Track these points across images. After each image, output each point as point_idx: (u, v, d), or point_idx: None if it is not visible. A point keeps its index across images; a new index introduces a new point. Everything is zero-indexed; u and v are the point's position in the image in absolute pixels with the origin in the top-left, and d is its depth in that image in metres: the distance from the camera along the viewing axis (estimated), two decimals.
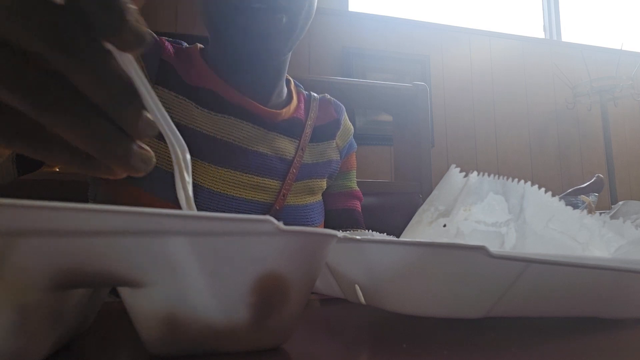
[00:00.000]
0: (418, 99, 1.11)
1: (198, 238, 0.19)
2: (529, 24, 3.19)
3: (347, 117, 0.75)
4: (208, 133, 0.57)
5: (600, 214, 0.36)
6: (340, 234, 0.26)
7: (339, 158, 0.71)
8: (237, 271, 0.20)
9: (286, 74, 0.70)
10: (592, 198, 0.62)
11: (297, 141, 0.65)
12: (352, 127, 0.76)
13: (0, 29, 0.19)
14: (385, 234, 0.48)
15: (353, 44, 2.55)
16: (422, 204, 0.49)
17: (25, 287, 0.18)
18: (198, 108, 0.57)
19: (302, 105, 0.69)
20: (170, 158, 0.53)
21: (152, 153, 0.24)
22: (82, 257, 0.18)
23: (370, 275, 0.28)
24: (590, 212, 0.36)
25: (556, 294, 0.28)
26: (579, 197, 0.63)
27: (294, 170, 0.62)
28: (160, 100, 0.51)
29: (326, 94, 0.76)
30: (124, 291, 0.20)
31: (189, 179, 0.26)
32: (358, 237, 0.27)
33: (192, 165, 0.51)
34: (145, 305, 0.20)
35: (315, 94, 0.74)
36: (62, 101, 0.20)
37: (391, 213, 1.02)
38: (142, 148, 0.23)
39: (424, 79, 2.62)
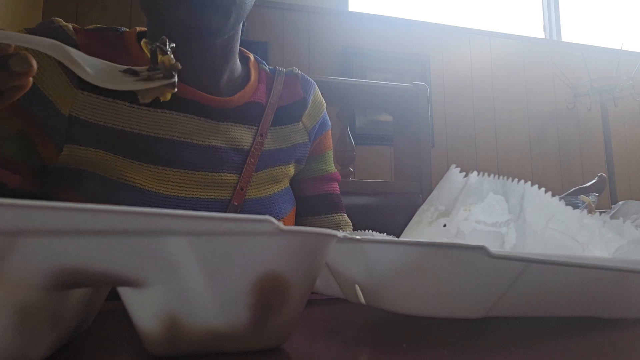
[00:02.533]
0: (418, 99, 1.11)
1: (198, 238, 0.19)
2: (529, 24, 3.19)
3: (318, 93, 0.69)
4: (148, 133, 0.52)
5: (600, 213, 0.36)
6: (340, 234, 0.26)
7: (307, 141, 0.65)
8: (237, 271, 0.20)
9: (247, 53, 0.66)
10: (592, 198, 0.62)
11: (255, 128, 0.59)
12: (323, 103, 0.69)
13: None
14: (385, 234, 0.48)
15: (353, 43, 2.55)
16: (422, 204, 0.49)
17: (25, 287, 0.18)
18: (132, 107, 0.52)
19: (263, 87, 0.63)
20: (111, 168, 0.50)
21: (27, 54, 0.32)
22: (82, 257, 0.18)
23: (370, 275, 0.28)
24: (590, 212, 0.36)
25: (556, 294, 0.28)
26: (579, 197, 0.63)
27: (252, 160, 0.57)
28: (86, 107, 0.51)
29: (294, 68, 0.69)
30: (124, 291, 0.20)
31: (81, 59, 0.32)
32: (358, 237, 0.27)
33: (134, 170, 0.51)
34: (145, 305, 0.20)
35: (283, 69, 0.67)
36: None
37: (391, 213, 1.02)
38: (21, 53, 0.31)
39: (424, 79, 2.62)
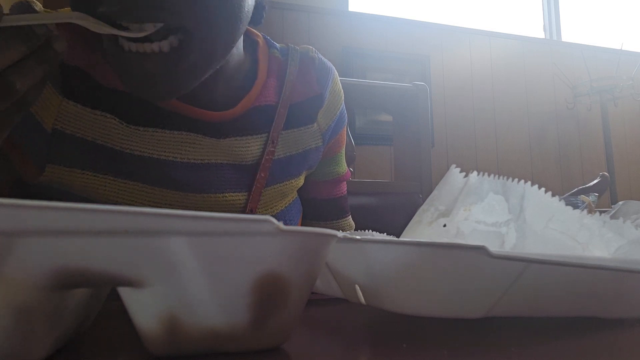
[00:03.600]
0: (418, 99, 1.11)
1: (198, 238, 0.19)
2: (529, 24, 3.19)
3: (336, 81, 0.59)
4: (141, 153, 0.46)
5: (600, 213, 0.36)
6: (340, 234, 0.26)
7: (320, 144, 0.58)
8: (237, 271, 0.20)
9: (255, 37, 0.56)
10: (592, 198, 0.62)
11: (265, 134, 0.52)
12: (341, 93, 0.60)
13: None
14: (385, 234, 0.48)
15: (353, 44, 2.55)
16: (422, 204, 0.49)
17: (25, 287, 0.18)
18: (123, 124, 0.46)
19: (273, 81, 0.54)
20: None
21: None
22: (82, 257, 0.18)
23: (370, 275, 0.28)
24: (590, 212, 0.36)
25: (556, 294, 0.28)
26: (579, 197, 0.63)
27: (262, 175, 0.51)
28: (71, 118, 0.45)
29: (311, 49, 0.59)
30: (124, 291, 0.20)
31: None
32: (358, 237, 0.27)
33: (128, 192, 0.46)
34: (145, 305, 0.20)
35: (297, 49, 0.58)
36: None
37: (391, 213, 1.02)
38: None
39: (424, 79, 2.62)
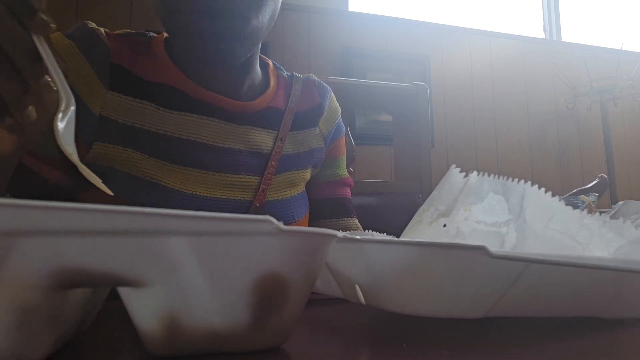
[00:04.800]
0: (418, 99, 1.11)
1: (198, 238, 0.19)
2: (529, 24, 3.19)
3: (333, 99, 0.71)
4: (172, 134, 0.55)
5: (600, 213, 0.36)
6: (340, 234, 0.26)
7: (323, 146, 0.67)
8: (237, 271, 0.20)
9: (266, 60, 0.67)
10: (592, 198, 0.62)
11: (276, 131, 0.61)
12: (338, 109, 0.71)
13: None
14: (385, 234, 0.48)
15: (353, 44, 2.55)
16: (422, 204, 0.49)
17: (25, 287, 0.18)
18: (159, 109, 0.55)
19: (282, 92, 0.65)
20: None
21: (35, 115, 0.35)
22: (82, 257, 0.18)
23: (370, 275, 0.28)
24: (590, 212, 0.36)
25: (556, 294, 0.28)
26: (579, 197, 0.63)
27: (273, 163, 0.59)
28: (115, 107, 0.54)
29: (311, 75, 0.71)
30: (124, 291, 0.20)
31: (62, 121, 0.34)
32: (358, 237, 0.27)
33: (159, 168, 0.54)
34: (145, 305, 0.20)
35: (300, 75, 0.69)
36: None
37: (391, 213, 1.02)
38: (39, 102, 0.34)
39: (424, 79, 2.62)
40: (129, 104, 0.54)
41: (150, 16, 2.22)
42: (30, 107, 0.35)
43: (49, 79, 0.34)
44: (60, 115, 0.33)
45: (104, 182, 0.50)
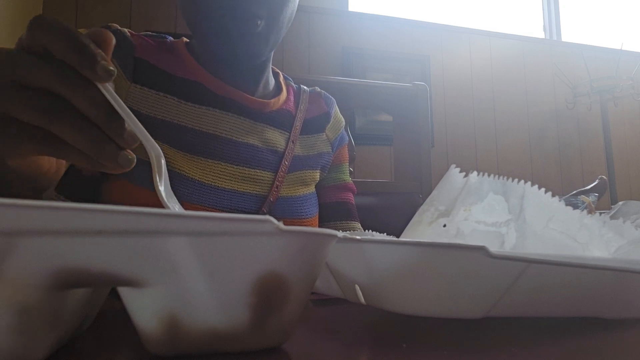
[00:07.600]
0: (418, 99, 1.11)
1: (198, 238, 0.19)
2: (529, 24, 3.19)
3: (337, 110, 0.75)
4: (193, 127, 0.57)
5: (600, 214, 0.36)
6: (340, 234, 0.26)
7: (330, 151, 0.71)
8: (237, 271, 0.20)
9: (277, 70, 0.71)
10: (592, 198, 0.62)
11: (288, 133, 0.65)
12: (342, 120, 0.76)
13: (22, 76, 0.28)
14: (385, 234, 0.48)
15: (353, 44, 2.55)
16: (422, 204, 0.49)
17: (25, 287, 0.18)
18: (181, 102, 0.58)
19: (292, 98, 0.69)
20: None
21: (134, 155, 0.31)
22: (83, 257, 0.18)
23: (370, 275, 0.28)
24: (590, 212, 0.36)
25: (556, 294, 0.28)
26: (579, 197, 0.63)
27: (286, 162, 0.62)
28: (138, 99, 0.57)
29: (316, 87, 0.75)
30: (124, 291, 0.20)
31: (160, 181, 0.32)
32: (358, 237, 0.27)
33: (180, 159, 0.56)
34: (145, 305, 0.20)
35: (305, 87, 0.74)
36: (68, 118, 0.29)
37: (391, 213, 1.02)
38: (126, 151, 0.31)
39: (424, 79, 2.62)
40: (152, 96, 0.56)
41: (150, 16, 2.23)
42: (122, 153, 0.31)
43: (130, 130, 0.30)
44: (157, 177, 0.31)
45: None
